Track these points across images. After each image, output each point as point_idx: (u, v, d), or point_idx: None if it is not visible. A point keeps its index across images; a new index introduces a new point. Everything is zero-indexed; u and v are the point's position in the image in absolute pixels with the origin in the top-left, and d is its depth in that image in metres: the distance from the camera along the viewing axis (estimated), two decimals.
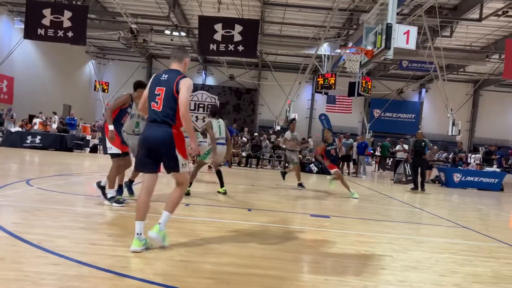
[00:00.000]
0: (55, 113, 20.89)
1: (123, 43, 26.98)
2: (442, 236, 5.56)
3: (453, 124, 18.67)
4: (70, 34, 17.24)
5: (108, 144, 5.54)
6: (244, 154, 16.93)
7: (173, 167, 3.71)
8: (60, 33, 17.20)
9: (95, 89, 30.36)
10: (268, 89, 31.02)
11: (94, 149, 16.92)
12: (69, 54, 27.01)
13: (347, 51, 10.19)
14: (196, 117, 30.73)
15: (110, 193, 5.56)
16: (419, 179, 12.22)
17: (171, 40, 26.05)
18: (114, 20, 23.71)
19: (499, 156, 17.66)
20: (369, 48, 7.68)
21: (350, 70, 9.62)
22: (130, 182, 6.37)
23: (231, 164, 16.14)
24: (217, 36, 17.01)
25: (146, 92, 3.77)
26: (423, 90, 31.57)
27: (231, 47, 17.12)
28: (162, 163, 3.76)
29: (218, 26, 17.05)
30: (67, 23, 17.22)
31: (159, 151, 3.65)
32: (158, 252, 3.69)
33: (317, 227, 5.45)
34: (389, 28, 6.87)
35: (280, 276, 3.43)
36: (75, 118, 20.71)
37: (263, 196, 8.32)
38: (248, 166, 17.04)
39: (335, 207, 7.47)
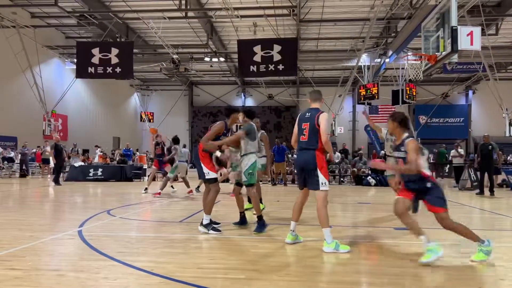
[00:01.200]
0: (97, 146, 21.69)
1: (165, 73, 27.91)
2: None
3: (510, 124, 17.88)
4: (118, 69, 18.09)
5: (205, 170, 5.52)
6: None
7: (314, 184, 4.55)
8: (109, 69, 18.09)
9: (141, 120, 31.45)
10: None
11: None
12: (115, 89, 28.25)
13: (409, 58, 10.01)
14: None
15: (206, 219, 5.49)
16: (486, 184, 11.68)
17: (211, 66, 26.71)
18: (155, 53, 24.64)
19: None
20: (431, 53, 7.53)
21: (414, 77, 9.41)
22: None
23: (286, 183, 16.11)
24: (257, 58, 17.29)
25: (295, 129, 4.82)
26: (470, 92, 30.49)
27: (271, 67, 17.32)
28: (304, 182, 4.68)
29: (257, 48, 17.36)
30: (115, 60, 18.10)
31: (307, 168, 4.59)
32: (267, 273, 3.68)
33: (407, 240, 5.28)
34: (454, 31, 6.72)
35: None
36: (131, 149, 21.45)
37: (334, 212, 8.19)
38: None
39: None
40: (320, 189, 4.51)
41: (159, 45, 21.94)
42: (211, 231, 5.39)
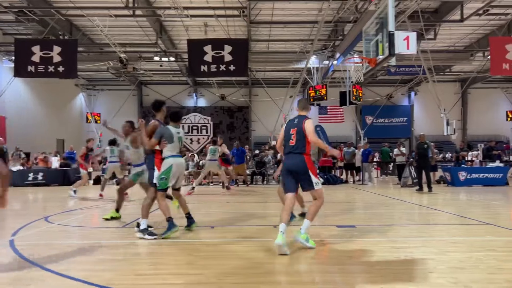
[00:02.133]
0: (44, 153, 20.66)
1: (112, 73, 27.01)
2: (473, 235, 5.60)
3: (448, 123, 18.96)
4: (61, 68, 17.28)
5: (157, 173, 5.55)
6: (248, 171, 16.87)
7: (308, 186, 4.87)
8: (51, 68, 17.23)
9: (87, 121, 30.19)
10: (260, 106, 31.21)
11: (97, 181, 16.77)
12: (58, 88, 26.89)
13: (351, 61, 10.33)
14: (191, 139, 30.78)
15: (143, 223, 5.39)
16: (424, 181, 12.36)
17: (160, 65, 26.19)
18: (102, 51, 23.78)
19: (499, 150, 17.90)
20: (371, 57, 7.83)
21: (353, 79, 9.73)
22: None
23: (238, 183, 16.14)
24: (208, 58, 17.23)
25: (282, 133, 5.15)
26: (412, 93, 32.05)
27: (222, 67, 17.32)
28: (299, 184, 4.94)
29: (207, 48, 17.29)
30: (57, 58, 17.27)
31: (298, 172, 4.86)
32: (207, 276, 3.66)
33: (348, 237, 5.46)
34: (391, 35, 7.03)
35: None
36: (75, 151, 20.50)
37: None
38: (253, 183, 16.97)
39: (356, 216, 7.48)
40: (315, 188, 4.87)
41: (105, 43, 21.18)
42: (146, 236, 5.27)
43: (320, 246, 4.97)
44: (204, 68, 17.33)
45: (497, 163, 14.70)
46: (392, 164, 19.42)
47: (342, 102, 21.22)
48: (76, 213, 8.06)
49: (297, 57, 23.30)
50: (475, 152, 19.83)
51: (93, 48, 23.78)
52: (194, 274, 3.75)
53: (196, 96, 32.99)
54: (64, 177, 15.71)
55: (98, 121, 29.33)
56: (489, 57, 17.95)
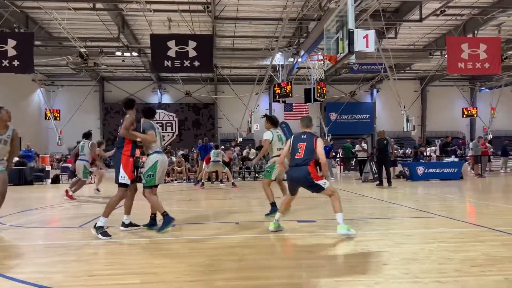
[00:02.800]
0: None
1: (72, 68, 26.14)
2: (427, 227, 5.81)
3: (407, 120, 19.60)
4: (16, 63, 16.59)
5: (122, 173, 5.30)
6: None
7: (318, 190, 5.24)
8: (5, 62, 16.51)
9: (46, 118, 29.06)
10: (226, 102, 31.13)
11: (56, 180, 16.18)
12: (14, 84, 25.74)
13: (313, 58, 10.43)
14: None
15: (101, 221, 5.23)
16: (384, 176, 12.73)
17: (123, 61, 25.58)
18: (61, 46, 22.94)
19: (454, 146, 18.68)
20: (332, 54, 7.95)
21: (315, 76, 9.84)
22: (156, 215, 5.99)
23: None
24: (171, 53, 17.01)
25: (287, 146, 5.56)
26: (374, 91, 32.91)
27: (186, 63, 17.14)
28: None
29: (171, 43, 17.07)
30: (12, 52, 16.55)
31: (303, 184, 5.33)
32: (164, 275, 3.61)
33: (308, 232, 5.53)
34: (351, 33, 7.16)
35: (293, 283, 3.46)
36: (32, 149, 19.68)
37: (245, 208, 8.32)
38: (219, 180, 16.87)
39: (317, 211, 7.59)
40: (325, 188, 5.21)
41: (64, 37, 20.46)
42: (100, 236, 5.11)
43: (280, 241, 5.02)
44: (167, 63, 17.11)
45: (453, 158, 15.34)
46: (354, 159, 19.86)
47: (307, 99, 21.51)
48: (31, 214, 7.74)
49: (262, 54, 23.36)
50: (433, 148, 20.62)
51: (51, 42, 22.91)
52: (151, 274, 3.68)
53: (160, 92, 32.46)
54: (20, 176, 15.05)
55: (58, 118, 28.30)
56: (446, 56, 18.66)
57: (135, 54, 23.96)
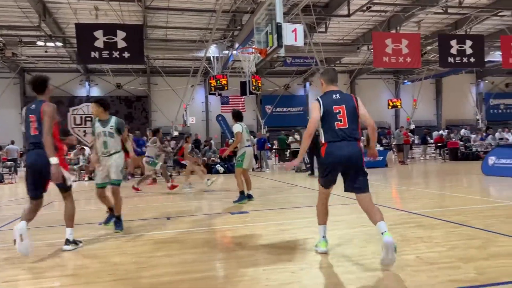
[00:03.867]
0: None
1: None
2: (352, 213, 6.12)
3: None
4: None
5: (67, 174, 4.33)
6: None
7: (364, 183, 3.80)
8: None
9: None
10: (160, 95, 30.30)
11: None
12: None
13: (244, 51, 10.47)
14: (84, 131, 28.80)
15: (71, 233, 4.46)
16: (316, 166, 13.21)
17: (46, 51, 23.87)
18: None
19: (381, 136, 19.83)
20: (262, 47, 8.04)
21: (248, 69, 9.90)
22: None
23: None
24: (99, 43, 16.23)
25: (317, 113, 3.75)
26: (307, 84, 33.84)
27: (115, 54, 16.47)
28: (347, 181, 3.86)
29: (98, 33, 16.27)
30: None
31: (352, 168, 3.74)
32: (86, 276, 3.46)
33: (240, 223, 5.59)
34: (279, 27, 7.29)
35: (220, 275, 3.49)
36: None
37: (177, 203, 8.21)
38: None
39: (251, 202, 7.70)
40: (369, 190, 3.82)
41: None
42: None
43: (210, 234, 5.02)
44: (95, 54, 16.30)
45: (378, 147, 16.29)
46: (288, 151, 20.35)
47: (243, 91, 21.57)
48: None
49: (196, 45, 23.01)
50: (362, 138, 21.70)
51: None
52: (71, 276, 3.52)
53: (88, 84, 30.81)
54: None
55: None
56: (372, 50, 19.66)
57: (59, 44, 22.46)
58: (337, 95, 3.78)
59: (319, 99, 3.79)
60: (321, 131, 3.80)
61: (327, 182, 3.96)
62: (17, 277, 3.53)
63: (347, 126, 3.68)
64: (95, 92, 31.10)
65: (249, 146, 7.66)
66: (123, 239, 4.86)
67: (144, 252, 4.21)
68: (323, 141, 3.85)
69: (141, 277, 3.39)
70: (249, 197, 7.70)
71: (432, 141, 22.90)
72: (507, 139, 19.48)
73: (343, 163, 3.72)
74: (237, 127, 7.54)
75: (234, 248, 4.32)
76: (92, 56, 16.17)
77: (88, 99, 29.79)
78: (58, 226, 5.47)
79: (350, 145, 3.69)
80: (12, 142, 18.89)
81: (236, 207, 7.11)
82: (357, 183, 3.76)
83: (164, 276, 3.40)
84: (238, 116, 7.73)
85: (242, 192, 7.54)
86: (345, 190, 3.92)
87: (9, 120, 27.18)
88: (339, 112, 3.68)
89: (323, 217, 4.11)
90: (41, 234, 5.27)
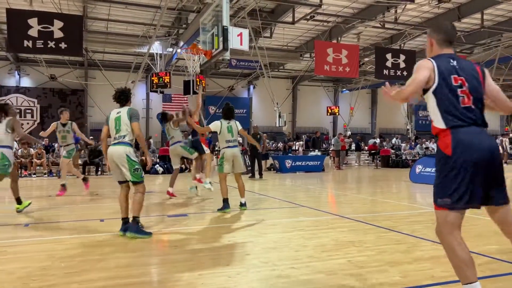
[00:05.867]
0: None
1: None
2: (289, 217, 6.28)
3: (279, 116, 20.86)
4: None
5: None
6: (80, 161, 15.49)
7: (503, 195, 2.51)
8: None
9: None
10: (98, 89, 28.93)
11: None
12: None
13: (189, 51, 10.35)
14: None
15: None
16: (256, 168, 13.39)
17: None
18: None
19: (320, 141, 20.50)
20: (208, 49, 8.01)
21: (191, 69, 9.79)
22: None
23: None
24: (33, 32, 15.28)
25: (425, 74, 2.54)
26: (251, 87, 34.13)
27: (51, 44, 15.59)
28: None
29: (33, 21, 15.32)
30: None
31: (493, 166, 2.47)
32: (12, 282, 3.22)
33: (177, 226, 5.51)
34: (225, 30, 7.30)
35: (155, 280, 3.42)
36: None
37: (111, 204, 7.90)
38: (86, 174, 15.71)
39: (192, 204, 7.62)
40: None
41: None
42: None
43: (145, 239, 4.90)
44: (28, 43, 15.30)
45: (316, 152, 16.86)
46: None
47: (186, 91, 21.30)
48: None
49: (139, 41, 22.34)
50: (300, 142, 22.32)
51: None
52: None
53: (18, 74, 28.73)
54: None
55: None
56: (314, 58, 20.30)
57: None
58: (455, 62, 2.61)
59: (432, 60, 2.62)
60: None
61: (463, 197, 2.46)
62: None
63: (473, 107, 2.53)
64: (26, 82, 29.11)
65: (230, 147, 6.71)
66: (52, 242, 4.60)
67: (74, 256, 4.01)
68: (442, 127, 2.55)
69: (70, 283, 3.23)
70: (242, 205, 6.91)
71: (366, 148, 24.10)
72: (433, 149, 20.99)
73: (487, 160, 2.45)
74: (213, 124, 6.80)
75: (169, 251, 4.25)
76: (25, 45, 15.17)
77: (18, 89, 27.85)
78: None
79: (485, 134, 2.54)
80: None
81: (174, 210, 6.99)
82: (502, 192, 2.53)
83: (94, 282, 3.26)
84: (224, 113, 6.91)
85: (225, 200, 6.70)
86: (485, 204, 2.54)
87: None
88: (460, 86, 2.52)
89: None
90: None
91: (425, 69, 2.56)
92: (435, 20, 20.41)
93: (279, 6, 20.44)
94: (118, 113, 5.14)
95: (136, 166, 4.84)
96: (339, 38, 22.48)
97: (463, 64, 2.63)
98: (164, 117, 8.01)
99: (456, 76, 2.55)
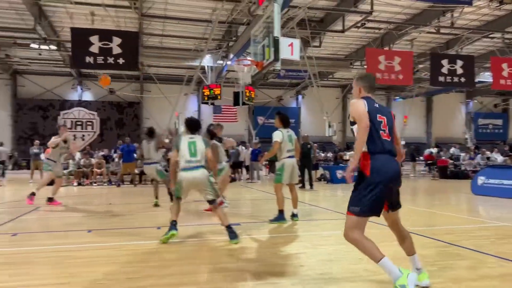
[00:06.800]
0: None
1: None
2: (339, 229, 6.12)
3: (329, 126, 20.59)
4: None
5: None
6: (137, 170, 16.09)
7: (398, 203, 3.46)
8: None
9: None
10: (152, 102, 30.22)
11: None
12: None
13: (240, 63, 10.56)
14: (74, 135, 28.51)
15: None
16: (306, 178, 13.27)
17: (39, 54, 23.73)
18: None
19: None
20: (259, 60, 8.11)
21: (243, 80, 9.97)
22: None
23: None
24: (94, 49, 16.28)
25: (366, 122, 3.13)
26: (300, 97, 34.06)
27: (110, 59, 16.51)
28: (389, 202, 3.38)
29: (94, 38, 16.33)
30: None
31: (397, 185, 3.35)
32: (77, 285, 3.41)
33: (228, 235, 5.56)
34: (276, 41, 7.36)
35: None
36: None
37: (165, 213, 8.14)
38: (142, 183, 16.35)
39: (243, 213, 7.68)
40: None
41: None
42: None
43: (202, 246, 4.99)
44: (89, 59, 16.32)
45: None
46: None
47: (236, 102, 21.64)
48: None
49: (191, 54, 23.09)
50: (351, 152, 21.82)
51: None
52: (62, 284, 3.47)
53: (81, 89, 30.62)
54: None
55: None
56: (365, 66, 19.90)
57: (53, 47, 22.32)
58: (377, 105, 3.33)
59: (364, 100, 3.30)
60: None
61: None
62: (6, 283, 3.47)
63: (390, 139, 3.29)
64: (87, 96, 30.93)
65: (290, 157, 6.60)
66: (114, 248, 4.81)
67: (135, 262, 4.17)
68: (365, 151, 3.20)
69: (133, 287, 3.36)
70: (294, 216, 6.81)
71: (422, 158, 23.13)
72: (495, 159, 19.78)
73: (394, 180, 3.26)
74: (276, 135, 6.51)
75: (225, 260, 4.30)
76: (87, 61, 16.17)
77: (80, 103, 29.64)
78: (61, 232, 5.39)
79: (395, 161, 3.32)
80: (1, 144, 18.62)
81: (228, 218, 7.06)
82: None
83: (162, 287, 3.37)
84: (282, 121, 6.69)
85: (281, 211, 6.60)
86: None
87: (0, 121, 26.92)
88: (382, 122, 3.26)
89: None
90: (34, 240, 5.19)
91: (363, 112, 3.18)
92: (490, 25, 19.42)
93: (328, 15, 20.33)
94: (191, 138, 5.29)
95: (213, 187, 5.21)
96: (391, 45, 21.90)
97: (383, 107, 3.40)
98: (150, 134, 8.09)
99: (380, 115, 3.28)
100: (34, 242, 5.11)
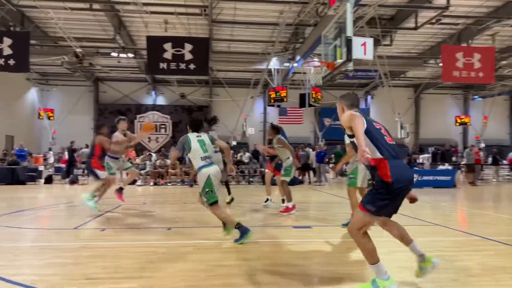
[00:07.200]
0: None
1: (67, 68, 25.95)
2: (422, 236, 5.84)
3: (401, 127, 19.74)
4: (11, 62, 16.57)
5: None
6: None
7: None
8: (1, 61, 16.46)
9: (39, 117, 28.80)
10: (220, 105, 31.10)
11: (48, 180, 16.03)
12: (8, 82, 25.48)
13: (310, 64, 10.51)
14: (149, 138, 30.15)
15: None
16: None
17: (118, 62, 25.47)
18: (56, 45, 22.79)
19: (450, 154, 18.84)
20: (330, 61, 8.00)
21: (309, 82, 9.90)
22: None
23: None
24: (167, 55, 17.08)
25: (361, 128, 3.17)
26: (369, 97, 33.04)
27: (182, 65, 17.20)
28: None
29: (167, 45, 17.14)
30: (7, 51, 16.52)
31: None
32: (161, 279, 3.60)
33: (303, 238, 5.55)
34: (349, 41, 7.22)
35: None
36: (25, 149, 19.53)
37: (245, 212, 8.32)
38: None
39: (312, 216, 7.62)
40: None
41: (60, 37, 20.31)
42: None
43: (276, 247, 5.03)
44: (163, 65, 17.15)
45: (446, 166, 15.45)
46: (347, 165, 20.00)
47: (302, 104, 21.60)
48: (24, 214, 7.67)
49: (258, 58, 23.40)
50: (426, 155, 20.74)
51: (46, 41, 22.73)
52: (148, 278, 3.68)
53: (155, 94, 32.36)
54: (12, 176, 14.93)
55: (51, 118, 28.09)
56: (440, 64, 18.81)
57: (131, 55, 23.84)
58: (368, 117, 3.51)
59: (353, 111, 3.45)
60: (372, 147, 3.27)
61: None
62: (98, 275, 3.76)
63: (394, 143, 3.48)
64: (161, 101, 32.60)
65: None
66: (191, 246, 5.00)
67: (212, 260, 4.30)
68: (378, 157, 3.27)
69: (210, 285, 3.48)
70: None
71: (505, 161, 21.34)
72: None
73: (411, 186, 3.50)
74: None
75: (301, 263, 4.29)
76: (161, 67, 17.00)
77: (154, 107, 31.29)
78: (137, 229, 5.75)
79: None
80: (86, 146, 20.21)
81: (298, 221, 7.05)
82: None
83: (230, 287, 3.46)
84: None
85: None
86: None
87: (83, 125, 29.21)
88: (381, 129, 3.50)
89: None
90: (120, 235, 5.57)
91: (361, 122, 3.19)
92: None
93: (399, 12, 19.52)
94: (198, 136, 5.44)
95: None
96: (469, 41, 20.51)
97: (372, 119, 3.48)
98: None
99: (377, 123, 3.47)
100: (120, 237, 5.47)
